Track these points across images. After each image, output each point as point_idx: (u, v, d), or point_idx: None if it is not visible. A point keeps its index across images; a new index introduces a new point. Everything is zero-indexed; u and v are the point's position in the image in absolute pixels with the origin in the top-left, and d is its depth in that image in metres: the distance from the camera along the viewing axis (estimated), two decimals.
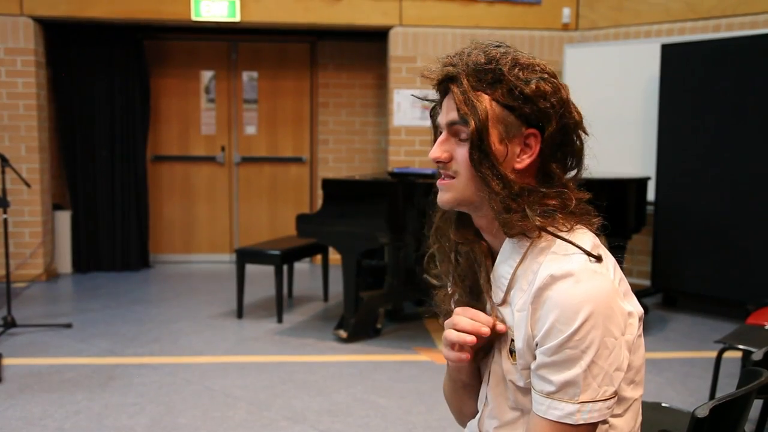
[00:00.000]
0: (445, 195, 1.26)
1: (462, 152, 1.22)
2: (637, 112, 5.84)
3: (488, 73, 1.19)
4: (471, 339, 1.22)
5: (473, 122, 1.18)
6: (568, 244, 1.18)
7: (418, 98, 1.37)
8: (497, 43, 1.24)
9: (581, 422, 1.13)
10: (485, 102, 1.19)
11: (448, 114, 1.23)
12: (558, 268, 1.14)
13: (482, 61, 1.20)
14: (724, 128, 5.06)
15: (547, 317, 1.13)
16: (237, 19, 6.33)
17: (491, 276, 1.30)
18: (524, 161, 1.21)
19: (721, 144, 5.08)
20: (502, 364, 1.27)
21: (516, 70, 1.19)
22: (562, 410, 1.13)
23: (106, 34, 6.72)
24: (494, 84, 1.19)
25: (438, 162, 1.25)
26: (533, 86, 1.18)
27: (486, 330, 1.23)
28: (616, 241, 4.92)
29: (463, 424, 1.51)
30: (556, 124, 1.20)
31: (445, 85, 1.23)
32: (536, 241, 1.20)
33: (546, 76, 1.20)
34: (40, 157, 6.32)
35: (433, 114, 1.32)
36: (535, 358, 1.17)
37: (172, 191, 7.33)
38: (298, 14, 6.40)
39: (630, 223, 4.98)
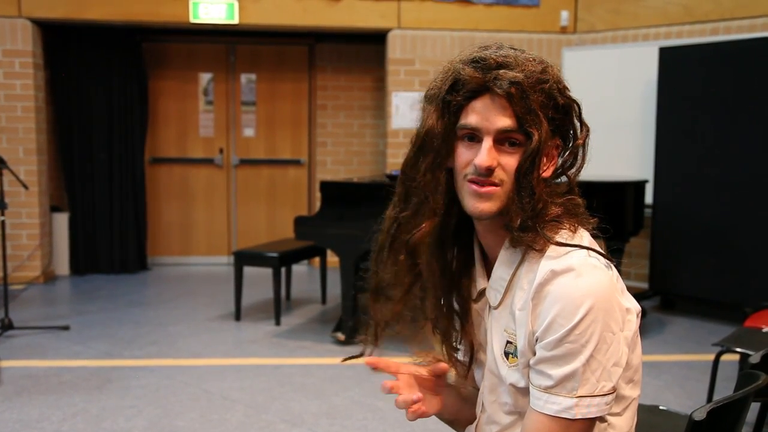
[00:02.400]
0: (487, 204, 1.19)
1: (511, 161, 1.18)
2: (635, 115, 5.84)
3: (544, 83, 1.17)
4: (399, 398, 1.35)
5: (537, 134, 1.15)
6: (567, 240, 1.19)
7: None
8: (514, 47, 1.23)
9: (579, 417, 1.13)
10: (540, 113, 1.16)
11: (501, 119, 1.16)
12: (558, 264, 1.15)
13: (538, 69, 1.17)
14: (721, 131, 5.07)
15: (548, 312, 1.13)
16: (235, 21, 6.34)
17: (483, 279, 1.31)
18: (549, 170, 1.22)
19: (719, 147, 5.08)
20: (498, 370, 1.27)
21: (562, 81, 1.20)
22: (559, 405, 1.13)
23: (105, 36, 6.71)
24: (544, 94, 1.17)
25: (488, 170, 1.17)
26: (569, 97, 1.20)
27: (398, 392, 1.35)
28: (614, 244, 4.94)
29: (457, 427, 1.51)
30: (582, 136, 1.23)
31: (504, 88, 1.15)
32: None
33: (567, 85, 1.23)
34: (38, 159, 6.31)
35: (445, 107, 1.21)
36: (535, 354, 1.17)
37: (170, 193, 7.32)
38: (296, 16, 6.40)
39: (628, 226, 4.98)
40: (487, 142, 1.17)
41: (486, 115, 1.17)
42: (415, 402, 1.34)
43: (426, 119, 1.24)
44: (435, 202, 1.25)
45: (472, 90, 1.18)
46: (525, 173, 1.17)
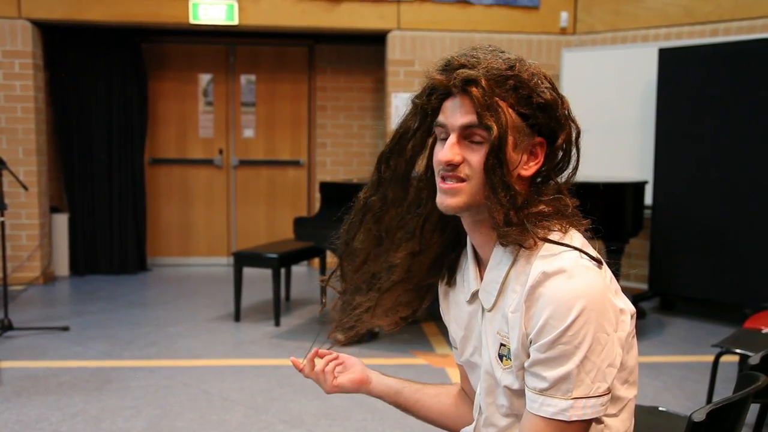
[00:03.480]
0: (453, 199, 1.22)
1: (475, 156, 1.20)
2: (634, 116, 5.85)
3: (509, 79, 1.18)
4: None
5: (496, 128, 1.17)
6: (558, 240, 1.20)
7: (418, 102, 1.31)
8: (496, 48, 1.24)
9: (575, 419, 1.13)
10: (505, 108, 1.18)
11: (462, 116, 1.20)
12: (550, 265, 1.15)
13: (502, 66, 1.19)
14: (721, 132, 5.07)
15: (540, 314, 1.14)
16: (235, 22, 6.34)
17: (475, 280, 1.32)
18: (531, 168, 1.23)
19: (719, 148, 5.09)
20: (493, 373, 1.27)
21: (535, 79, 1.20)
22: (555, 407, 1.13)
23: (104, 37, 6.72)
24: (513, 91, 1.19)
25: (449, 164, 1.21)
26: (548, 96, 1.20)
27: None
28: (614, 245, 4.95)
29: (447, 426, 1.53)
30: (564, 135, 1.23)
31: (459, 87, 1.19)
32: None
33: (551, 86, 1.23)
34: (37, 159, 6.31)
35: (422, 111, 1.27)
36: (529, 356, 1.17)
37: (170, 194, 7.32)
38: (296, 17, 6.41)
39: (627, 227, 4.98)
40: (451, 139, 1.21)
41: (451, 113, 1.22)
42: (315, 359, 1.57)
43: (404, 120, 1.31)
44: (394, 195, 1.35)
45: (442, 93, 1.23)
46: (491, 168, 1.18)
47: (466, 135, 1.21)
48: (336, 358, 1.59)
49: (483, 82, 1.17)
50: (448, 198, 1.22)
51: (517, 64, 1.20)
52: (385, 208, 1.36)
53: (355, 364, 1.60)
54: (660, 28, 6.06)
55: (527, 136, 1.21)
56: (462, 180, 1.21)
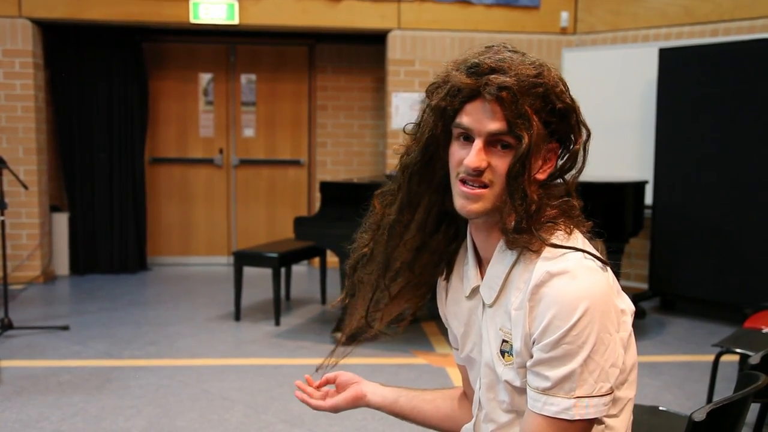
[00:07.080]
0: (476, 204, 1.21)
1: (500, 163, 1.19)
2: (634, 116, 5.85)
3: (537, 87, 1.17)
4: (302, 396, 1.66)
5: (527, 137, 1.16)
6: (562, 242, 1.20)
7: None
8: (516, 49, 1.23)
9: (577, 418, 1.13)
10: (532, 116, 1.17)
11: (492, 122, 1.17)
12: (554, 265, 1.15)
13: (532, 73, 1.17)
14: (721, 132, 5.07)
15: (545, 314, 1.14)
16: (235, 21, 6.34)
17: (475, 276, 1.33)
18: (546, 172, 1.23)
19: (719, 148, 5.09)
20: (494, 368, 1.28)
21: (560, 85, 1.20)
22: (558, 406, 1.13)
23: (105, 37, 6.71)
24: (539, 98, 1.18)
25: (476, 170, 1.19)
26: (568, 101, 1.21)
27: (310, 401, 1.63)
28: (614, 244, 4.94)
29: (447, 430, 1.54)
30: (579, 140, 1.23)
31: (493, 93, 1.16)
32: None
33: (568, 90, 1.22)
34: (37, 159, 6.31)
35: (442, 110, 1.23)
36: (532, 356, 1.17)
37: (170, 193, 7.32)
38: (296, 17, 6.41)
39: (628, 227, 4.98)
40: (478, 144, 1.19)
41: (478, 117, 1.19)
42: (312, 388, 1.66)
43: (428, 126, 1.27)
44: (431, 205, 1.34)
45: (466, 95, 1.20)
46: (515, 176, 1.18)
47: (491, 141, 1.19)
48: (324, 382, 1.64)
49: (515, 90, 1.16)
50: (470, 203, 1.21)
51: (544, 71, 1.19)
52: (413, 222, 1.36)
53: (349, 381, 1.64)
54: (660, 28, 6.06)
55: (546, 141, 1.21)
56: (484, 186, 1.20)
